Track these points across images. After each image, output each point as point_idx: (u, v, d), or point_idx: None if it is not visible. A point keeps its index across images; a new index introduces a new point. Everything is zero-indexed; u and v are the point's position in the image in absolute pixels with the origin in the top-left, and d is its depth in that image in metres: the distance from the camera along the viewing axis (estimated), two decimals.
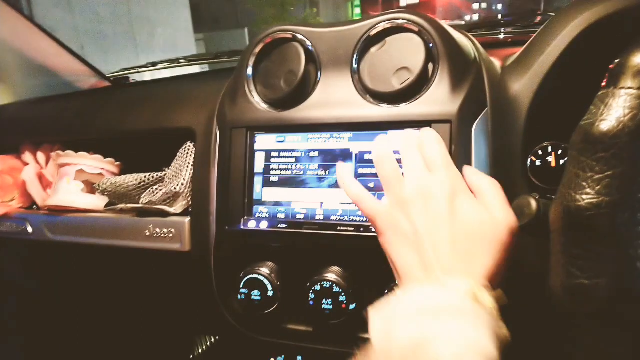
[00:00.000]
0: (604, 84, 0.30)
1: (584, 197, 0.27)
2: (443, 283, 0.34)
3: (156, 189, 0.67)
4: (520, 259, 0.37)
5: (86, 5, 5.31)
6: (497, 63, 0.56)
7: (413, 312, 0.32)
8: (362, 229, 0.51)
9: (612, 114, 0.27)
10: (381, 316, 0.34)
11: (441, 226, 0.37)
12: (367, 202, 0.42)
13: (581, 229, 0.27)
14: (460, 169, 0.47)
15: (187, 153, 0.66)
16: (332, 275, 0.52)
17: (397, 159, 0.42)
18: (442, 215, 0.37)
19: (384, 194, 0.41)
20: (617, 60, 0.29)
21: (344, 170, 0.45)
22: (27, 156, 0.81)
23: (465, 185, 0.40)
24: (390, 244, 0.39)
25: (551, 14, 0.77)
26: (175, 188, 0.64)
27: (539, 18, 1.01)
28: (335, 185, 0.53)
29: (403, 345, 0.30)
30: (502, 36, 0.84)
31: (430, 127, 0.48)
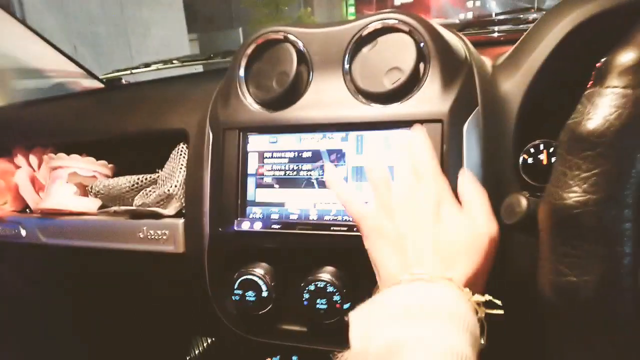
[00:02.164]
0: (590, 83, 0.30)
1: (571, 195, 0.27)
2: (422, 285, 0.35)
3: (149, 190, 0.67)
4: (511, 257, 0.38)
5: (79, 7, 5.27)
6: (488, 62, 0.56)
7: (391, 315, 0.33)
8: (355, 229, 0.51)
9: (598, 113, 0.27)
10: (360, 319, 0.34)
11: (424, 232, 0.38)
12: (354, 205, 0.43)
13: (569, 227, 0.28)
14: (452, 168, 0.48)
15: (180, 155, 0.66)
16: (326, 275, 0.52)
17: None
18: (425, 221, 0.39)
19: (373, 198, 0.42)
20: (603, 59, 0.30)
21: (333, 172, 0.46)
22: (20, 159, 0.81)
23: (450, 195, 0.41)
24: (374, 246, 0.40)
25: (543, 11, 0.78)
26: (168, 190, 0.64)
27: (532, 16, 1.02)
28: None
29: (379, 349, 0.31)
30: (495, 34, 0.84)
31: (422, 125, 0.49)
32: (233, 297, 0.56)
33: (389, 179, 0.42)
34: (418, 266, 0.37)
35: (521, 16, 0.96)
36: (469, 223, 0.39)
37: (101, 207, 0.72)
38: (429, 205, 0.39)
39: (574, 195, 0.27)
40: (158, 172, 0.68)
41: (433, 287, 0.34)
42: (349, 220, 0.52)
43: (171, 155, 0.67)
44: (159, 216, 0.64)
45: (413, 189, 0.41)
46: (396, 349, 0.30)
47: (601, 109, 0.27)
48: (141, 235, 0.65)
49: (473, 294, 0.35)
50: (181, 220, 0.63)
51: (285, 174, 0.55)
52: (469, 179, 0.43)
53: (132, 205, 0.67)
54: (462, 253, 0.37)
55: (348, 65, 0.54)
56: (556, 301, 0.29)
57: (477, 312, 0.34)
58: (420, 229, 0.38)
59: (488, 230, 0.39)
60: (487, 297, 0.36)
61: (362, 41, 0.54)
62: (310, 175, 0.54)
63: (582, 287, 0.27)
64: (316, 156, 0.54)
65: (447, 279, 0.35)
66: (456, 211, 0.40)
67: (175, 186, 0.64)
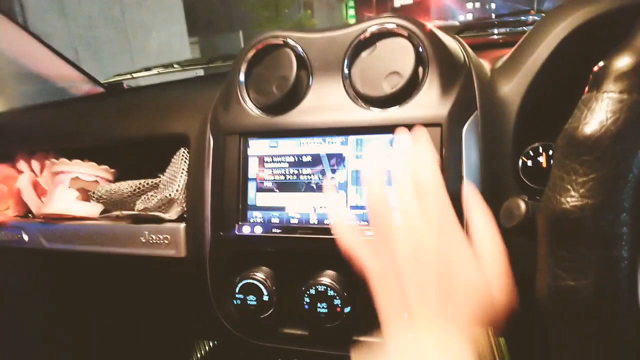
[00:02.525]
0: (587, 87, 0.30)
1: (569, 199, 0.28)
2: (423, 327, 0.33)
3: (151, 195, 0.67)
4: (509, 260, 0.38)
5: (80, 11, 5.29)
6: (486, 65, 0.57)
7: None
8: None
9: (595, 118, 0.28)
10: None
11: (427, 267, 0.35)
12: (361, 255, 0.40)
13: (566, 231, 0.28)
14: (451, 172, 0.48)
15: (181, 159, 0.66)
16: (326, 279, 0.52)
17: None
18: (428, 255, 0.35)
19: (379, 247, 0.39)
20: (600, 64, 0.30)
21: (338, 215, 0.42)
22: (22, 164, 0.81)
23: (464, 246, 0.37)
24: (376, 291, 0.38)
25: (542, 14, 0.78)
26: (169, 194, 0.64)
27: (531, 18, 1.02)
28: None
29: None
30: (495, 37, 0.85)
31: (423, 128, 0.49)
32: (234, 301, 0.56)
33: (395, 225, 0.38)
34: (419, 305, 0.34)
35: (520, 19, 0.96)
36: (482, 285, 0.35)
37: (103, 212, 0.72)
38: (432, 236, 0.36)
39: (572, 199, 0.28)
40: (159, 177, 0.69)
41: (434, 332, 0.33)
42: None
43: (172, 160, 0.67)
44: (160, 221, 0.65)
45: (421, 240, 0.36)
46: None
47: (598, 114, 0.28)
48: (143, 240, 0.65)
49: (477, 337, 0.33)
50: (182, 225, 0.63)
51: (285, 178, 0.55)
52: (477, 206, 0.39)
53: (133, 210, 0.67)
54: (467, 298, 0.34)
55: (347, 70, 0.54)
56: (554, 305, 0.29)
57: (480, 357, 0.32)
58: (423, 262, 0.35)
59: (506, 305, 0.35)
60: (491, 335, 0.33)
61: (361, 46, 0.54)
62: (311, 179, 0.54)
63: (579, 291, 0.27)
64: (316, 160, 0.54)
65: (449, 321, 0.33)
66: (464, 251, 0.36)
67: (177, 191, 0.64)
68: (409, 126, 0.50)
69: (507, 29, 0.89)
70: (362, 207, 0.52)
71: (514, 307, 0.36)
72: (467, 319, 0.33)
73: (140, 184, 0.69)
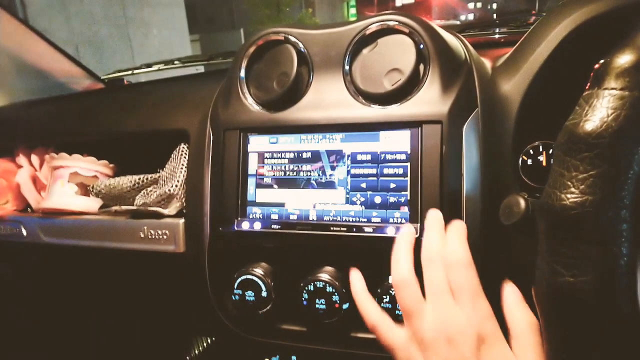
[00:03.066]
0: (589, 84, 0.30)
1: (569, 196, 0.28)
2: None
3: (150, 190, 0.67)
4: (509, 257, 0.38)
5: (80, 7, 5.28)
6: (487, 63, 0.57)
7: None
8: (354, 229, 0.51)
9: (596, 115, 0.28)
10: None
11: (456, 353, 0.33)
12: (385, 331, 0.38)
13: (566, 228, 0.28)
14: (451, 169, 0.48)
15: (181, 155, 0.66)
16: (325, 275, 0.52)
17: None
18: (458, 342, 0.33)
19: (404, 322, 0.37)
20: (601, 61, 0.30)
21: (360, 288, 0.41)
22: (21, 159, 0.81)
23: (496, 328, 0.34)
24: None
25: (544, 13, 0.78)
26: (169, 190, 0.64)
27: (532, 18, 1.02)
28: (328, 185, 0.53)
29: None
30: (496, 36, 0.85)
31: (422, 127, 0.49)
32: (233, 296, 0.56)
33: (422, 300, 0.36)
34: None
35: (521, 18, 0.96)
36: None
37: (102, 207, 0.72)
38: (469, 343, 0.33)
39: (572, 196, 0.28)
40: (159, 172, 0.69)
41: None
42: (348, 221, 0.52)
43: (172, 155, 0.67)
44: (159, 216, 0.65)
45: (450, 317, 0.34)
46: None
47: (599, 111, 0.28)
48: (142, 235, 0.65)
49: None
50: (182, 220, 0.63)
51: (285, 175, 0.55)
52: (519, 305, 0.36)
53: (133, 205, 0.67)
54: None
55: (348, 67, 0.54)
56: (553, 301, 0.29)
57: None
58: (452, 357, 0.33)
59: None
60: None
61: (362, 42, 0.54)
62: (310, 175, 0.54)
63: (579, 287, 0.27)
64: (316, 157, 0.54)
65: None
66: (498, 339, 0.34)
67: (176, 186, 0.64)
68: (410, 123, 0.50)
69: (508, 29, 0.88)
70: (362, 204, 0.52)
71: None
72: None
73: (139, 179, 0.69)
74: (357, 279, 0.42)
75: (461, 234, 0.37)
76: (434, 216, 0.41)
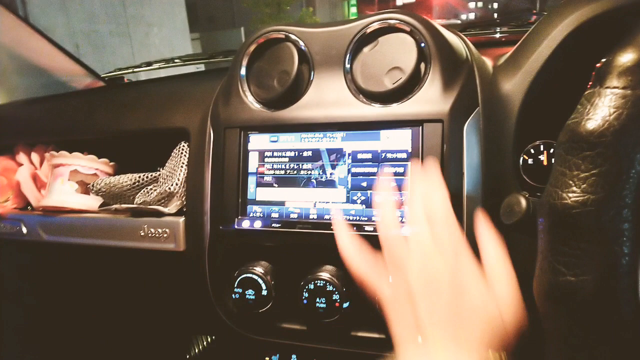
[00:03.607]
0: (590, 83, 0.30)
1: (570, 195, 0.28)
2: (435, 351, 0.34)
3: (150, 189, 0.67)
4: (510, 256, 0.38)
5: (81, 5, 5.28)
6: (488, 62, 0.56)
7: None
8: (355, 228, 0.51)
9: (597, 113, 0.27)
10: None
11: (439, 291, 0.36)
12: (373, 282, 0.40)
13: (567, 227, 0.28)
14: (452, 168, 0.48)
15: (181, 153, 0.66)
16: (325, 274, 0.52)
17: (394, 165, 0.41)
18: (440, 280, 0.36)
19: (391, 274, 0.39)
20: (603, 60, 0.30)
21: (348, 241, 0.43)
22: (21, 157, 0.81)
23: (475, 273, 0.37)
24: (391, 315, 0.38)
25: (545, 12, 0.78)
26: (169, 188, 0.64)
27: (534, 17, 1.02)
28: (329, 184, 0.53)
29: None
30: (497, 35, 0.84)
31: (423, 126, 0.49)
32: (233, 295, 0.56)
33: (407, 252, 0.38)
34: (431, 327, 0.35)
35: (522, 17, 0.96)
36: (493, 308, 0.35)
37: (102, 205, 0.72)
38: (444, 261, 0.36)
39: (573, 195, 0.27)
40: (159, 171, 0.69)
41: (446, 354, 0.33)
42: (349, 219, 0.52)
43: (172, 153, 0.67)
44: (159, 214, 0.65)
45: (433, 266, 0.37)
46: None
47: (601, 110, 0.28)
48: (142, 233, 0.65)
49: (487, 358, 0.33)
50: (182, 219, 0.63)
51: (285, 173, 0.55)
52: (487, 233, 0.40)
53: (133, 203, 0.67)
54: (478, 321, 0.35)
55: (349, 65, 0.54)
56: (554, 300, 0.29)
57: None
58: (435, 286, 0.36)
59: (513, 315, 0.35)
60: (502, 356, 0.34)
61: (363, 41, 0.54)
62: (311, 174, 0.54)
63: (580, 286, 0.27)
64: (316, 155, 0.54)
65: (461, 343, 0.34)
66: (475, 275, 0.37)
67: (176, 184, 0.64)
68: (411, 122, 0.50)
69: (509, 28, 0.88)
70: (363, 203, 0.52)
71: (524, 328, 0.36)
72: (478, 342, 0.34)
73: (140, 177, 0.68)
74: (344, 235, 0.44)
75: (442, 191, 0.40)
76: (417, 179, 0.43)
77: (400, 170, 0.50)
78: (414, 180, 0.42)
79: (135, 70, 1.16)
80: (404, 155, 0.50)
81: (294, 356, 0.63)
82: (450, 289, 0.35)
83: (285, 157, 0.55)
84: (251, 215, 0.56)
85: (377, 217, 0.43)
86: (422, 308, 0.36)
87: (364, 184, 0.51)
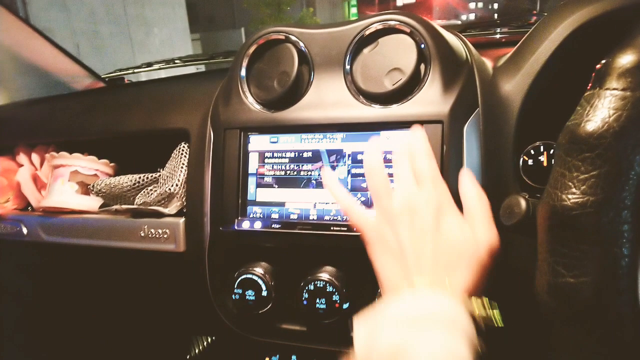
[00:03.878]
0: (590, 85, 0.30)
1: (570, 196, 0.28)
2: (423, 294, 0.36)
3: (151, 189, 0.67)
4: (510, 258, 0.38)
5: (82, 5, 5.28)
6: (488, 63, 0.56)
7: (393, 322, 0.34)
8: (355, 229, 0.51)
9: (597, 115, 0.28)
10: (364, 325, 0.36)
11: (425, 241, 0.39)
12: (356, 213, 0.43)
13: (567, 228, 0.28)
14: (452, 169, 0.48)
15: (182, 154, 0.66)
16: (325, 274, 0.52)
17: (388, 166, 0.44)
18: (426, 231, 0.39)
19: (374, 205, 0.42)
20: (603, 61, 0.30)
21: (331, 179, 0.46)
22: (22, 157, 0.81)
23: (450, 202, 0.41)
24: (376, 255, 0.41)
25: (545, 13, 0.78)
26: (169, 189, 0.64)
27: (534, 18, 1.02)
28: None
29: (382, 352, 0.32)
30: (497, 36, 0.84)
31: (423, 127, 0.49)
32: (233, 296, 0.56)
33: (389, 184, 0.42)
34: (418, 275, 0.38)
35: (522, 18, 0.96)
36: (469, 233, 0.39)
37: (102, 206, 0.72)
38: (429, 213, 0.39)
39: (573, 196, 0.27)
40: (159, 171, 0.69)
41: (432, 296, 0.35)
42: (349, 221, 0.52)
43: (172, 154, 0.67)
44: (160, 215, 0.65)
45: (414, 195, 0.41)
46: (400, 352, 0.31)
47: (600, 111, 0.28)
48: (142, 234, 0.65)
49: (471, 301, 0.36)
50: (182, 220, 0.63)
51: (285, 174, 0.55)
52: (469, 182, 0.43)
53: (133, 204, 0.67)
54: (461, 262, 0.38)
55: (349, 66, 0.54)
56: (554, 302, 0.29)
57: (474, 319, 0.35)
58: (421, 238, 0.39)
59: (488, 242, 0.39)
60: (485, 300, 0.36)
61: (363, 42, 0.54)
62: (311, 175, 0.54)
63: (579, 288, 0.27)
64: (317, 156, 0.54)
65: (445, 287, 0.36)
66: (456, 220, 0.40)
67: (177, 185, 0.64)
68: (410, 123, 0.50)
69: (510, 28, 0.88)
70: (363, 204, 0.52)
71: (497, 247, 0.39)
72: (462, 286, 0.37)
73: (140, 178, 0.69)
74: (327, 172, 0.50)
75: (428, 153, 0.43)
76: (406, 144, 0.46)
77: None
78: (401, 140, 0.45)
79: (135, 70, 1.16)
80: None
81: (294, 357, 0.63)
82: (435, 240, 0.39)
83: (285, 158, 0.55)
84: (251, 216, 0.56)
85: (365, 155, 0.45)
86: (410, 259, 0.38)
87: (364, 185, 0.51)
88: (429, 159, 0.43)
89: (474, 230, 0.39)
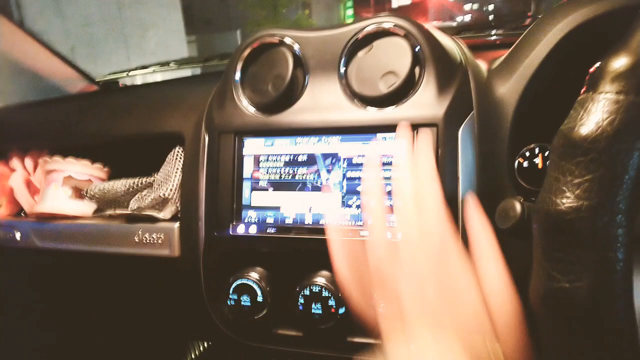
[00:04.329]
0: (584, 88, 0.30)
1: (564, 201, 0.27)
2: (421, 343, 0.34)
3: (145, 194, 0.67)
4: (504, 262, 0.38)
5: (76, 8, 5.26)
6: (483, 66, 0.56)
7: None
8: (350, 234, 0.51)
9: (591, 119, 0.27)
10: None
11: (424, 286, 0.35)
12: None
13: (562, 233, 0.28)
14: (447, 172, 0.48)
15: (176, 158, 0.65)
16: (321, 279, 0.52)
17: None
18: (429, 291, 0.35)
19: (368, 232, 0.40)
20: (596, 65, 0.30)
21: (339, 248, 0.43)
22: (15, 162, 0.80)
23: (452, 232, 0.37)
24: (377, 309, 0.38)
25: (540, 15, 0.78)
26: (164, 193, 0.63)
27: (528, 20, 1.02)
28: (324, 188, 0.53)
29: None
30: (492, 38, 0.84)
31: (417, 131, 0.49)
32: (228, 301, 0.56)
33: (384, 209, 0.39)
34: (416, 327, 0.35)
35: (517, 20, 0.96)
36: (479, 300, 0.35)
37: (96, 211, 0.72)
38: (430, 248, 0.36)
39: (567, 201, 0.27)
40: (154, 176, 0.68)
41: (432, 347, 0.33)
42: (343, 224, 0.51)
43: (167, 158, 0.67)
44: (154, 220, 0.64)
45: (413, 224, 0.37)
46: None
47: (594, 115, 0.27)
48: (136, 239, 0.65)
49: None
50: (176, 224, 0.63)
51: (280, 178, 0.55)
52: (478, 217, 0.40)
53: (127, 209, 0.67)
54: (463, 325, 0.34)
55: (344, 69, 0.54)
56: (549, 307, 0.28)
57: None
58: (422, 297, 0.35)
59: (509, 315, 0.35)
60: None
61: (358, 45, 0.54)
62: (306, 179, 0.54)
63: (574, 293, 0.27)
64: (312, 160, 0.54)
65: (446, 339, 0.34)
66: (464, 276, 0.36)
67: (171, 190, 0.64)
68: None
69: (505, 30, 0.88)
70: (358, 207, 0.51)
71: (520, 315, 0.35)
72: (465, 330, 0.34)
73: (134, 182, 0.68)
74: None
75: (428, 146, 0.41)
76: (404, 134, 0.44)
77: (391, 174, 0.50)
78: (401, 156, 0.42)
79: (130, 73, 1.16)
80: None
81: None
82: (436, 284, 0.35)
83: (280, 161, 0.55)
84: (246, 220, 0.56)
85: (362, 198, 0.43)
86: (407, 303, 0.35)
87: (359, 188, 0.51)
88: (434, 179, 0.39)
89: (486, 289, 0.36)
